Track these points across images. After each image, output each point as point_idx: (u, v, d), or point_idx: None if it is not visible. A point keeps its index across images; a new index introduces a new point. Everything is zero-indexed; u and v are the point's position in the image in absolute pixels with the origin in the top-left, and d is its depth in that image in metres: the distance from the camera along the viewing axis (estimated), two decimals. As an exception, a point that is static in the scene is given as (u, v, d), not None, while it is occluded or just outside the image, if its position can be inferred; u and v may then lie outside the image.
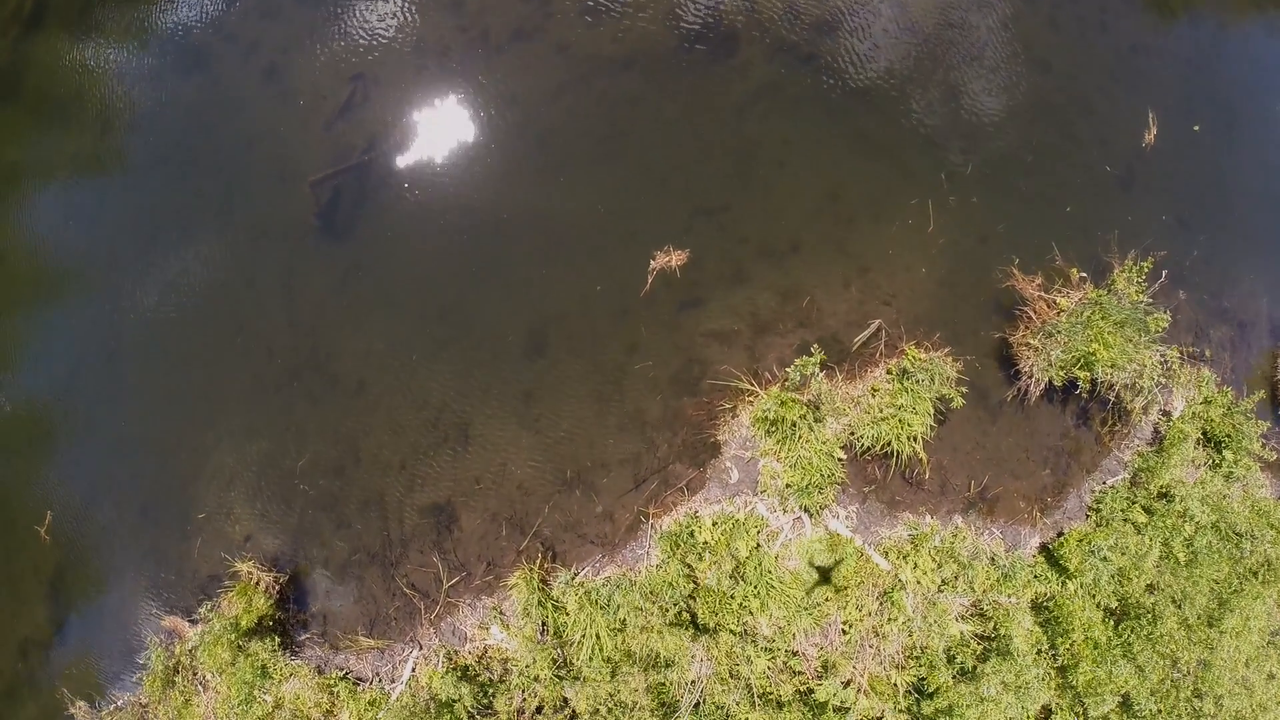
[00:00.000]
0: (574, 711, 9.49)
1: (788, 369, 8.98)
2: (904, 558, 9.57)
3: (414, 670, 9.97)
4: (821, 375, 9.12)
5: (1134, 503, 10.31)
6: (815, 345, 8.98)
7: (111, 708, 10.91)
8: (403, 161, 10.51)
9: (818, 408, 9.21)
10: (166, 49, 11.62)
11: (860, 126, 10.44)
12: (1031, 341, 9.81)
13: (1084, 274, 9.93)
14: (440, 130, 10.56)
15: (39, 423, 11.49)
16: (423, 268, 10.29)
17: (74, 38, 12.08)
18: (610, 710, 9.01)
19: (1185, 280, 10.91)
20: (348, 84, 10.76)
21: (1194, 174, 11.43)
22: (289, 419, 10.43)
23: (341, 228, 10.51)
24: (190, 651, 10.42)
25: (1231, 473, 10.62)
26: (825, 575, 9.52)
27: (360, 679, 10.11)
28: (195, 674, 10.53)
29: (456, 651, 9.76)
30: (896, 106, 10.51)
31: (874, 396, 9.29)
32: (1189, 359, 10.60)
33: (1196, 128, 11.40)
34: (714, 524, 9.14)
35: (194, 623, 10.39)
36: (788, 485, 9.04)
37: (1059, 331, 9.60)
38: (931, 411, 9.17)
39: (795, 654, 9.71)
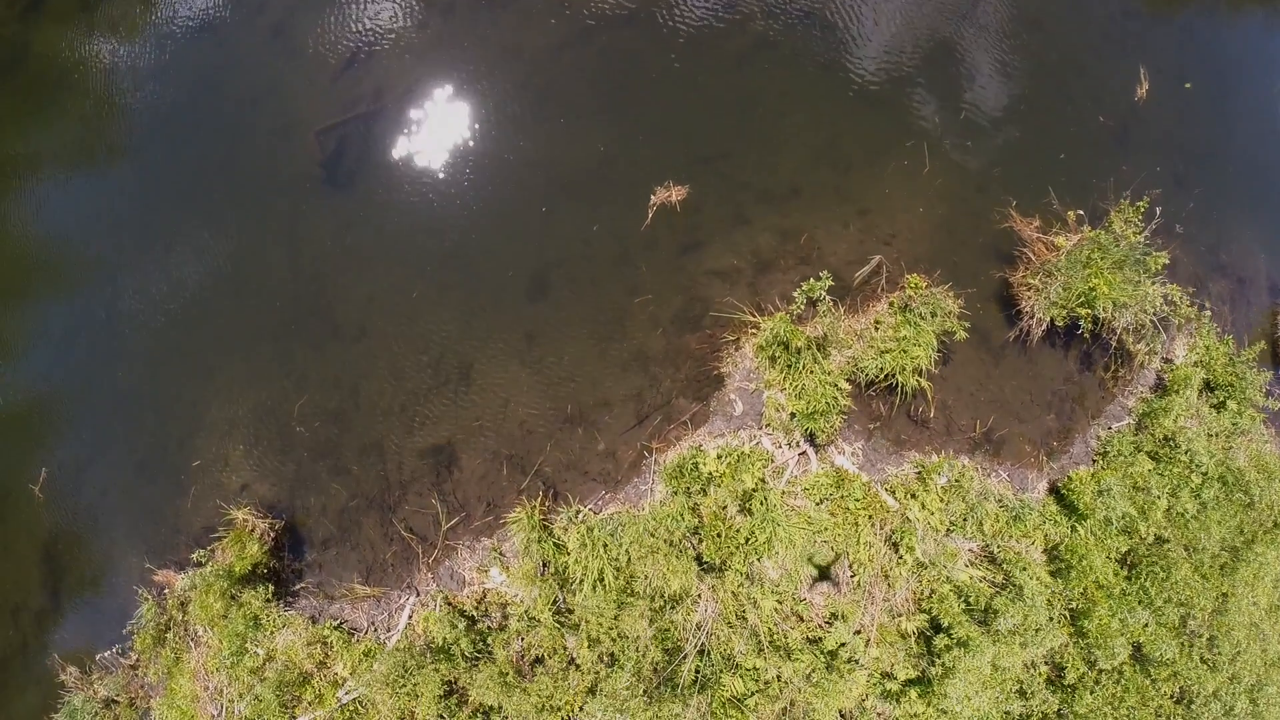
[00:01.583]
0: (573, 658, 9.23)
1: (794, 293, 8.93)
2: (911, 496, 9.43)
3: (410, 619, 9.70)
4: (829, 300, 9.09)
5: (1140, 449, 10.22)
6: (824, 271, 8.94)
7: (101, 669, 10.63)
8: (407, 111, 10.62)
9: (822, 343, 9.16)
10: (175, 13, 11.83)
11: (856, 78, 10.60)
12: (1032, 281, 9.82)
13: (1081, 212, 9.98)
14: (444, 82, 10.71)
15: (37, 384, 11.40)
16: (425, 214, 10.33)
17: (81, 7, 12.31)
18: (614, 641, 8.75)
19: (1182, 231, 11.00)
20: (353, 39, 10.95)
21: (1187, 131, 11.59)
22: (289, 366, 10.36)
23: (345, 177, 10.59)
24: (181, 605, 10.17)
25: (1236, 422, 10.54)
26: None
27: (355, 629, 9.84)
28: (186, 629, 10.26)
29: (454, 595, 9.53)
30: (891, 58, 10.68)
31: (877, 329, 9.26)
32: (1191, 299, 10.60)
33: (1188, 85, 11.61)
34: (718, 456, 9.01)
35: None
36: (792, 414, 8.92)
37: (1059, 270, 9.62)
38: (934, 344, 9.11)
39: (802, 601, 9.51)
